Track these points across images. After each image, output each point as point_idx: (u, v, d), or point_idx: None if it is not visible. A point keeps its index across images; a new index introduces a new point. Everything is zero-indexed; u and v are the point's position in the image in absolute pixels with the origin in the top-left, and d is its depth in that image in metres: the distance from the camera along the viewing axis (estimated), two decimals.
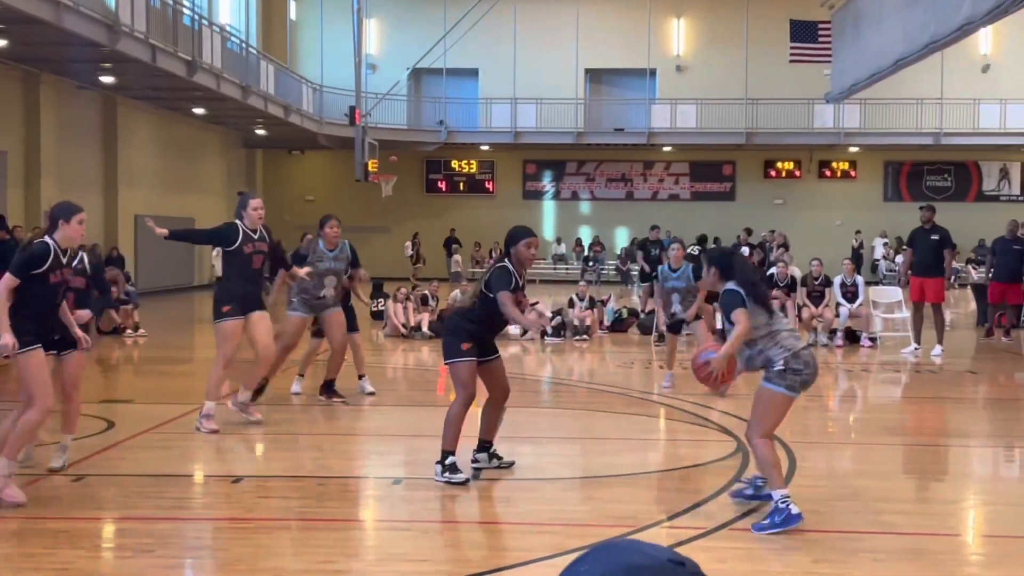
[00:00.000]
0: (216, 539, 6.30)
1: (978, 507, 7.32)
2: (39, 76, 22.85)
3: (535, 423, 10.24)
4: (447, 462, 7.28)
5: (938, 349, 15.44)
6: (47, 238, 6.94)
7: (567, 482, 7.73)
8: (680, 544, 5.87)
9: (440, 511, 6.88)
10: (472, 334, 7.37)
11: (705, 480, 7.58)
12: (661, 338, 16.97)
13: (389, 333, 17.95)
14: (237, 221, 9.37)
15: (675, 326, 12.02)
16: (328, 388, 10.93)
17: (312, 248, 10.71)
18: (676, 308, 11.85)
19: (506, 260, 7.38)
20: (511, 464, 7.84)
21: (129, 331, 17.73)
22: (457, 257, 35.90)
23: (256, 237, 9.29)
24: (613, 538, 1.26)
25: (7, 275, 6.71)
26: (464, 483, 7.22)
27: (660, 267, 12.44)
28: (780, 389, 6.24)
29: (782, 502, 6.12)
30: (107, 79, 23.48)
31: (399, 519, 6.66)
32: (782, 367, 6.21)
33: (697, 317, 11.63)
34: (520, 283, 7.41)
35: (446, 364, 7.46)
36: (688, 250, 19.29)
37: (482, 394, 7.71)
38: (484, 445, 7.83)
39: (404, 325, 17.82)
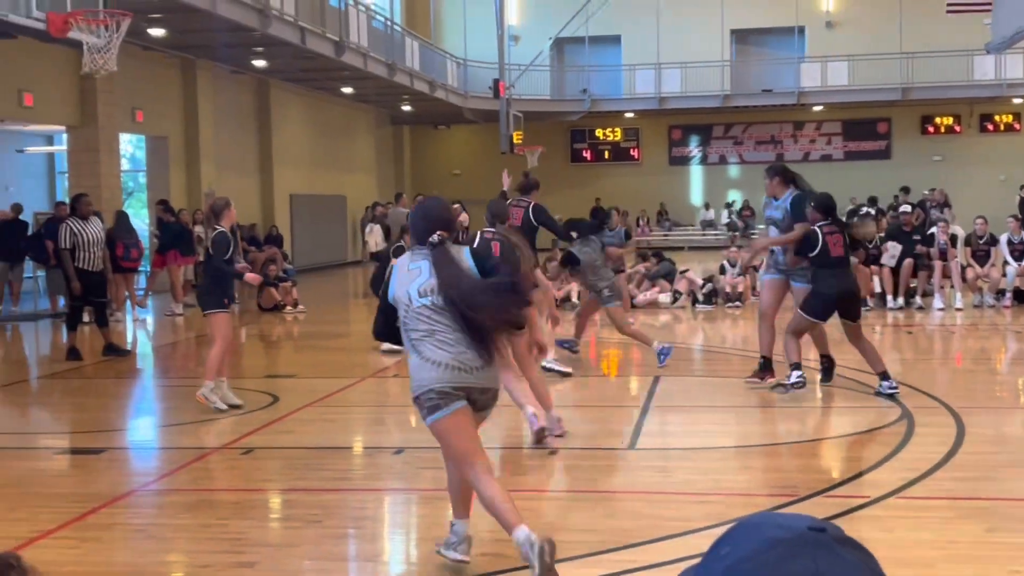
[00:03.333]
0: (380, 510, 6.46)
1: None
2: (195, 63, 23.64)
3: (689, 392, 10.14)
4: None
5: None
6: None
7: (724, 451, 7.65)
8: (845, 514, 5.74)
9: (597, 481, 6.89)
10: None
11: (868, 448, 7.39)
12: None
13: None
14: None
15: None
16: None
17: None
18: None
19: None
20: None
21: (289, 308, 18.27)
22: None
23: None
24: (748, 515, 1.23)
25: None
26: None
27: None
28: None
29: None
30: (259, 63, 24.13)
31: (557, 489, 6.70)
32: None
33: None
34: None
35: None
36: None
37: None
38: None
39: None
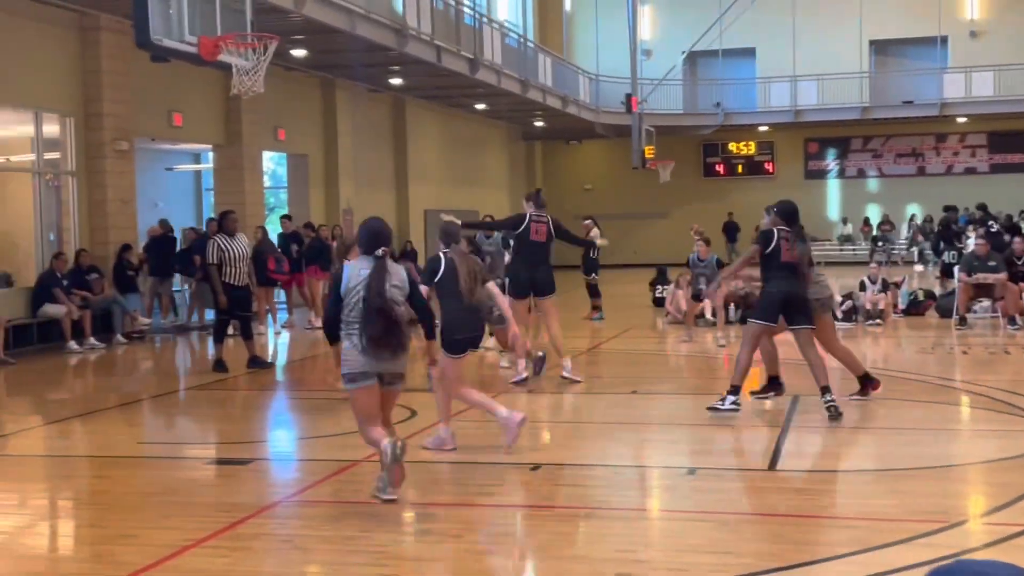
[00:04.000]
0: (517, 526, 6.49)
1: None
2: (334, 82, 24.22)
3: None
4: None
5: None
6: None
7: (868, 474, 7.46)
8: (1000, 542, 5.53)
9: (735, 502, 6.79)
10: None
11: (1021, 473, 7.10)
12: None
13: (671, 320, 17.87)
14: None
15: None
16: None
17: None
18: None
19: None
20: None
21: None
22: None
23: None
24: (943, 564, 1.19)
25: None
26: None
27: None
28: None
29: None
30: (396, 81, 24.59)
31: (696, 509, 6.62)
32: None
33: None
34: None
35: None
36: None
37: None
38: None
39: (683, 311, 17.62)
